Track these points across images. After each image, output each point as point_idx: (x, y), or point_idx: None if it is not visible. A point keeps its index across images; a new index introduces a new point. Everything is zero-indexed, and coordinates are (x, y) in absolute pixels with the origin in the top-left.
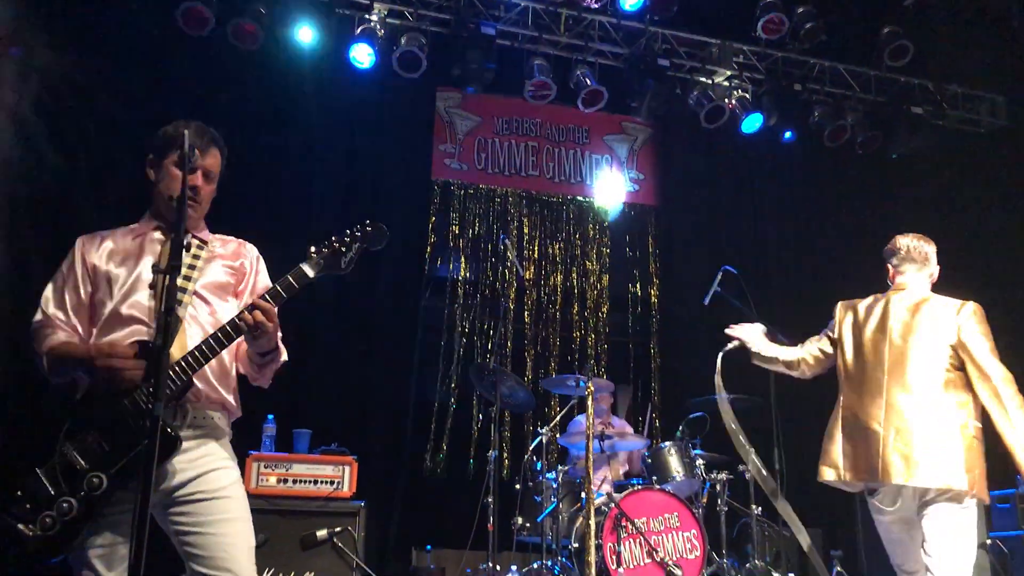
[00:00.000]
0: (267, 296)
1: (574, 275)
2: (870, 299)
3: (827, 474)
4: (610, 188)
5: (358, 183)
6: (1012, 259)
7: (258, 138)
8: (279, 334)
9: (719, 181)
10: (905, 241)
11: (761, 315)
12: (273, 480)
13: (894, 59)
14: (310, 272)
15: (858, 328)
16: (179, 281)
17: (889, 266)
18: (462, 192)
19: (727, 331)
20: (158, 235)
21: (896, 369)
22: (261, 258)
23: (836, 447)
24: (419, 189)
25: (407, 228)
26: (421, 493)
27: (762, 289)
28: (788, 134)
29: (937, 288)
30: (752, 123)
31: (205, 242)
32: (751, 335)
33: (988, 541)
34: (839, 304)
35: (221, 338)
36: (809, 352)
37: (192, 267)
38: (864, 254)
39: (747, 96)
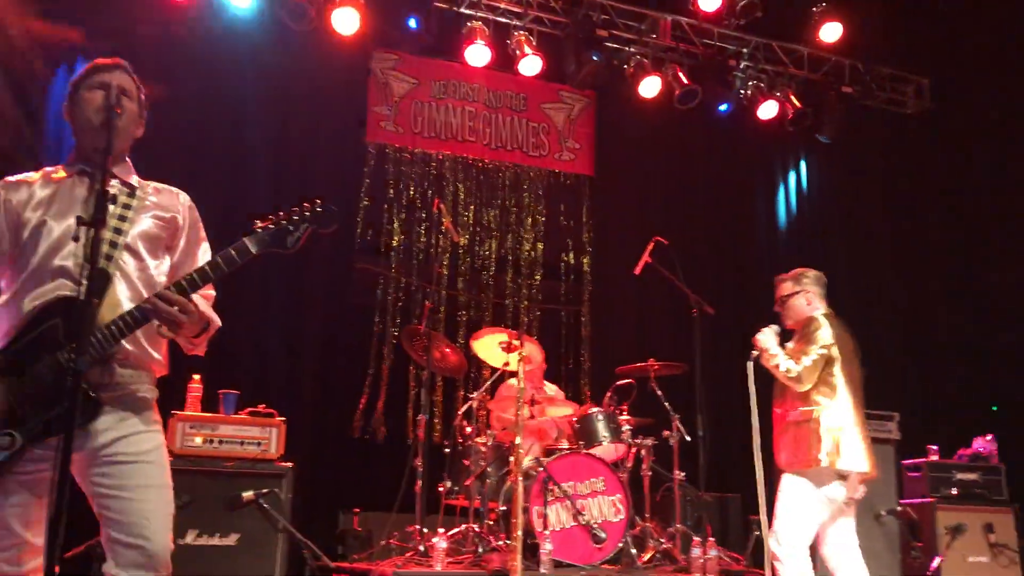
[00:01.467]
0: (196, 275)
1: (508, 242)
2: (830, 313)
3: (866, 466)
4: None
5: (292, 144)
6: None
7: (189, 95)
8: (208, 309)
9: (654, 152)
10: (815, 273)
11: (690, 286)
12: (199, 440)
13: (826, 38)
14: (253, 248)
15: (842, 340)
16: (108, 233)
17: (812, 290)
18: (397, 155)
19: (754, 339)
20: (83, 180)
21: (855, 377)
22: (195, 209)
23: (865, 444)
24: (353, 151)
25: (340, 190)
26: (350, 456)
27: (692, 261)
28: (723, 107)
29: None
30: (688, 97)
31: (134, 187)
32: (771, 343)
33: (898, 508)
34: (823, 316)
35: (131, 322)
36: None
37: (123, 218)
38: (790, 231)
39: (683, 70)
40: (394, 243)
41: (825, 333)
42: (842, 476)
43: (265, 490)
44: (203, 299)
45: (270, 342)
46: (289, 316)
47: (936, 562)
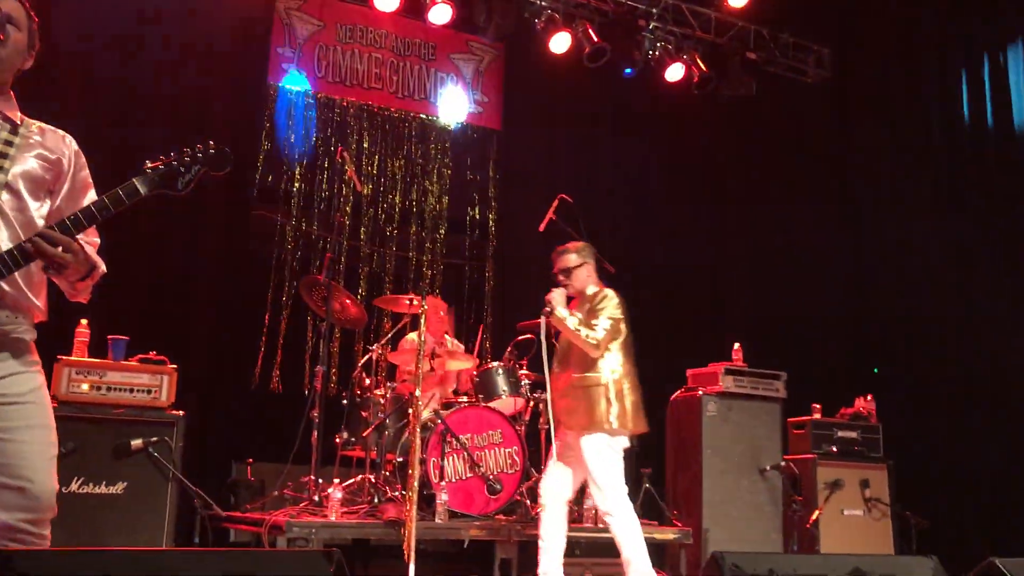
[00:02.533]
0: (82, 215)
1: (413, 194)
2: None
3: (644, 426)
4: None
5: (189, 84)
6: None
7: (78, 30)
8: (93, 253)
9: (561, 109)
10: (591, 248)
11: (594, 244)
12: (85, 387)
13: (733, 3)
14: (142, 189)
15: (625, 313)
16: None
17: (591, 263)
18: (300, 99)
19: (548, 297)
20: None
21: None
22: (82, 155)
23: (640, 406)
24: (254, 93)
25: (239, 133)
26: (245, 406)
27: (596, 219)
28: (628, 70)
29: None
30: (596, 55)
31: (17, 124)
32: (562, 303)
33: (782, 463)
34: (615, 292)
35: (9, 263)
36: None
37: (3, 155)
38: (691, 193)
39: (593, 27)
40: (295, 190)
41: (616, 306)
42: (626, 435)
43: (155, 438)
44: (88, 245)
45: (163, 288)
46: (184, 262)
47: (815, 515)
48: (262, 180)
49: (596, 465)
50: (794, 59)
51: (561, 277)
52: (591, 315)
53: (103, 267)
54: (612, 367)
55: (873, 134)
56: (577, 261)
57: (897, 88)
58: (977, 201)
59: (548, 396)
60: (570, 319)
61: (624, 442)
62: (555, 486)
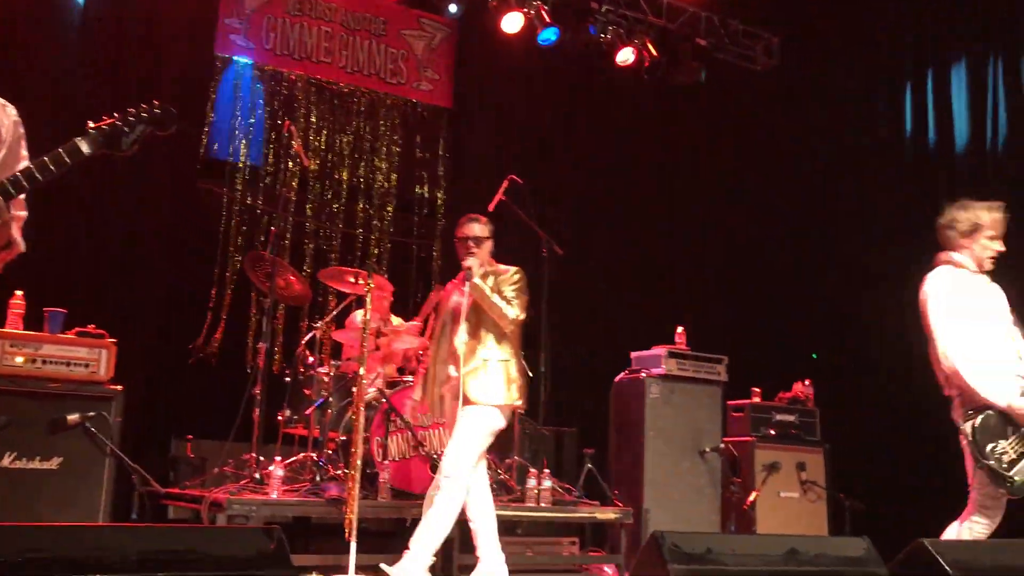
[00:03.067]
0: (22, 176)
1: (361, 171)
2: None
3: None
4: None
5: (133, 52)
6: (766, 192)
7: None
8: (17, 228)
9: (513, 90)
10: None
11: (543, 226)
12: (20, 360)
13: None
14: (85, 148)
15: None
16: None
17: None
18: (248, 71)
19: (469, 266)
20: None
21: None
22: (21, 124)
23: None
24: (200, 63)
25: (185, 103)
26: (186, 382)
27: (545, 201)
28: (552, 33)
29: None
30: (548, 35)
31: None
32: (479, 269)
33: (721, 445)
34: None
35: None
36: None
37: None
38: (638, 177)
39: (546, 8)
40: (240, 164)
41: (527, 285)
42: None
43: (92, 413)
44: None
45: (104, 261)
46: (126, 234)
47: (752, 496)
48: (207, 153)
49: (472, 430)
50: (743, 46)
51: (471, 244)
52: (505, 291)
53: (22, 246)
54: (516, 344)
55: (816, 125)
56: (486, 232)
57: (841, 83)
58: (914, 196)
59: (460, 369)
60: (487, 289)
61: (504, 421)
62: None
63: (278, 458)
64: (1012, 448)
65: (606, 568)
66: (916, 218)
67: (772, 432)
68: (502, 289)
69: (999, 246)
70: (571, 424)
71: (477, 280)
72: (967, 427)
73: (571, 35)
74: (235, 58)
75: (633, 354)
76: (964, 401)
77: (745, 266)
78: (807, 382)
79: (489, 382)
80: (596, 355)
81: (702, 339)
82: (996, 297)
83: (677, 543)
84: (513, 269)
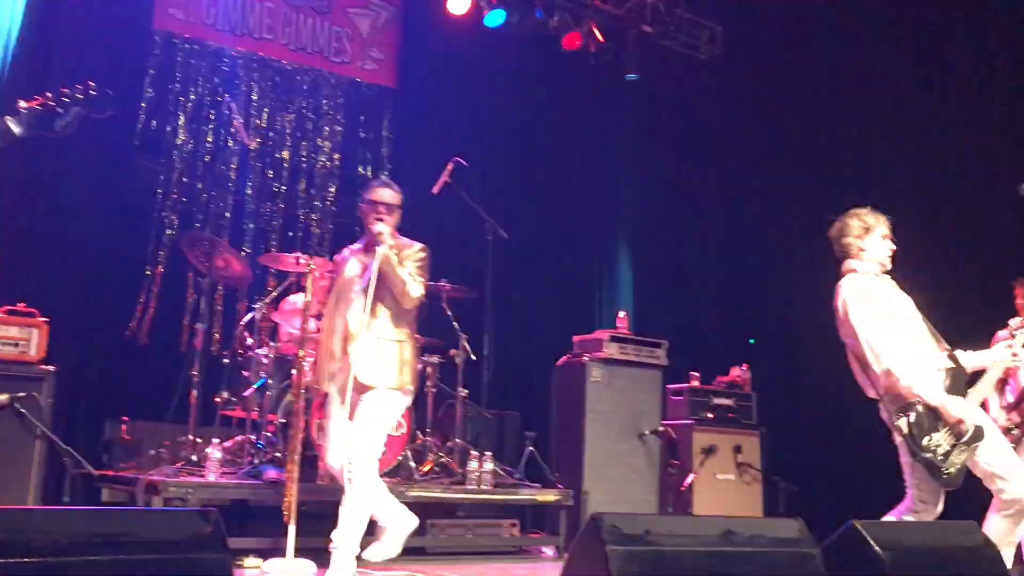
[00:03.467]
0: None
1: (304, 150)
2: None
3: None
4: None
5: (68, 22)
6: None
7: None
8: None
9: (458, 71)
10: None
11: (487, 209)
12: None
13: None
14: (16, 128)
15: None
16: None
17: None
18: (187, 47)
19: (381, 234)
20: None
21: None
22: None
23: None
24: (137, 37)
25: (120, 78)
26: (121, 363)
27: (490, 184)
28: (499, 16)
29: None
30: (495, 18)
31: None
32: (388, 235)
33: (660, 428)
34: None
35: None
36: None
37: None
38: (583, 162)
39: None
40: (179, 141)
41: (429, 267)
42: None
43: (22, 393)
44: None
45: (36, 239)
46: (60, 211)
47: (689, 479)
48: (144, 129)
49: (375, 416)
50: (688, 35)
51: (382, 209)
52: (403, 265)
53: None
54: (412, 325)
55: (755, 115)
56: (398, 201)
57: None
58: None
59: (353, 346)
60: (396, 260)
61: (405, 403)
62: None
63: (216, 440)
64: (945, 440)
65: (545, 549)
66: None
67: (710, 415)
68: (404, 264)
69: (891, 244)
70: (514, 407)
71: (388, 250)
72: (902, 423)
73: (518, 18)
74: (174, 33)
75: (576, 338)
76: (892, 399)
77: (686, 252)
78: (744, 367)
79: (382, 363)
80: (539, 339)
81: (646, 324)
82: (903, 296)
83: (616, 524)
84: (418, 245)
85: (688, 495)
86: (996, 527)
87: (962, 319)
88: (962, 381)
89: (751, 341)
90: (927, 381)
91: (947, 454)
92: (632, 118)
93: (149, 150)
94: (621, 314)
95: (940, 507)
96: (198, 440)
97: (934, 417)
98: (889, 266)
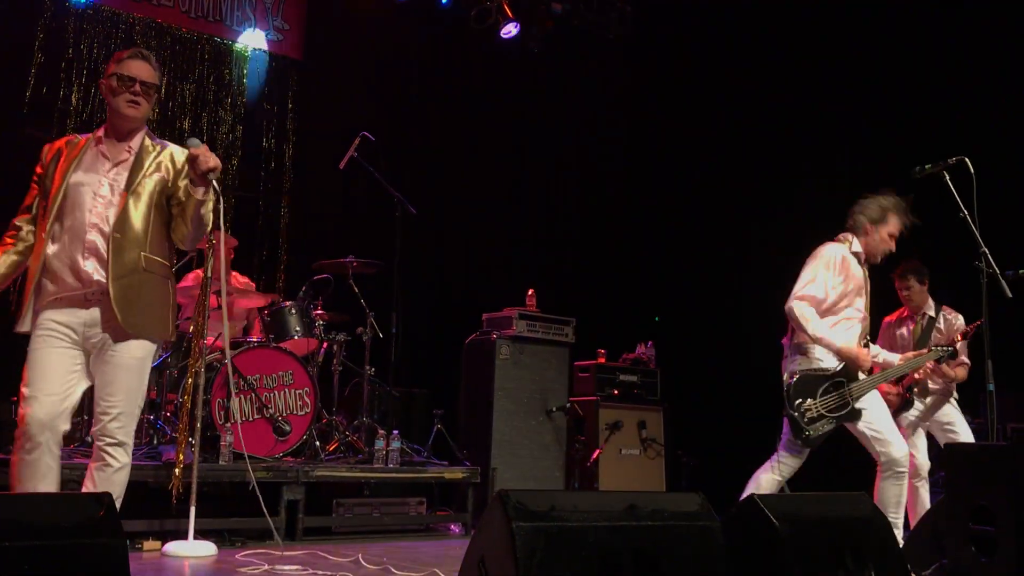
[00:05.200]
0: None
1: (204, 121)
2: None
3: None
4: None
5: None
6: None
7: None
8: None
9: (366, 44)
10: None
11: (394, 184)
12: None
13: None
14: None
15: None
16: None
17: None
18: (80, 11)
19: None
20: None
21: None
22: None
23: None
24: (28, 2)
25: (9, 44)
26: (9, 340)
27: (398, 160)
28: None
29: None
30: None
31: None
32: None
33: (568, 405)
34: None
35: None
36: None
37: None
38: (492, 138)
39: None
40: (71, 109)
41: None
42: None
43: None
44: None
45: None
46: None
47: (595, 454)
48: (34, 97)
49: (142, 379)
50: (598, 13)
51: (138, 88)
52: None
53: None
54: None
55: (663, 96)
56: (158, 81)
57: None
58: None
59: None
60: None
61: None
62: None
63: None
64: (815, 407)
65: (453, 527)
66: (755, 185)
67: (615, 392)
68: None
69: (892, 245)
70: (422, 385)
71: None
72: (786, 378)
73: None
74: None
75: (485, 315)
76: (794, 352)
77: (593, 231)
78: (649, 344)
79: (165, 313)
80: (448, 316)
81: (554, 302)
82: (861, 282)
83: (522, 501)
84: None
85: (594, 470)
86: (883, 492)
87: None
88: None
89: (656, 319)
90: (830, 332)
91: (813, 420)
92: (542, 95)
93: (40, 120)
94: (530, 292)
95: (799, 461)
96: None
97: (817, 385)
98: (877, 261)
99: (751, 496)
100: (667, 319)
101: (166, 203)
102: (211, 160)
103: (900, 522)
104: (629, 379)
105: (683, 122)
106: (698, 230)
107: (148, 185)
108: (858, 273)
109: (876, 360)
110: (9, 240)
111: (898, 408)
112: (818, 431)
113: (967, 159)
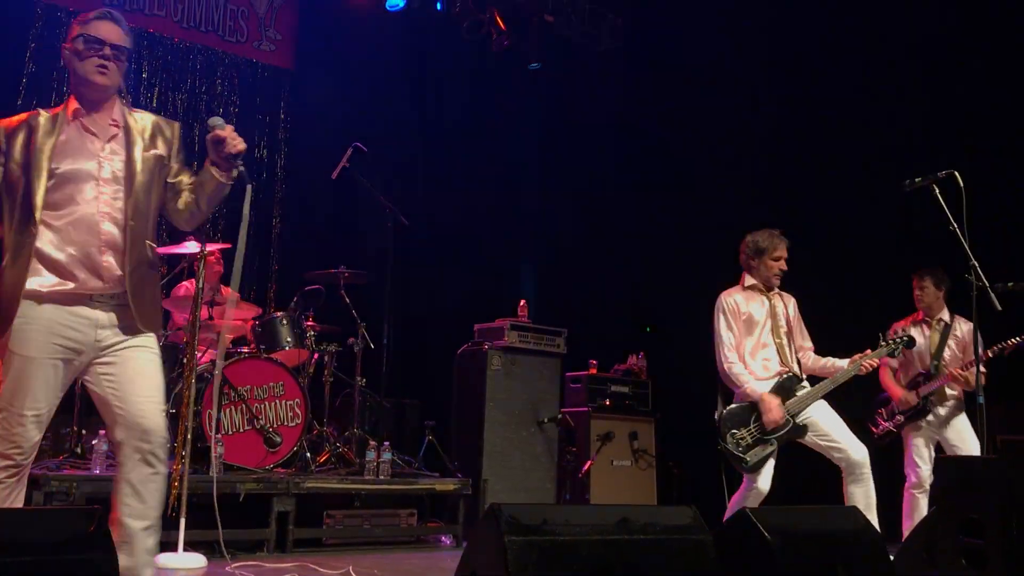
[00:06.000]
0: None
1: (196, 132)
2: None
3: None
4: None
5: None
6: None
7: None
8: None
9: (358, 55)
10: None
11: (386, 194)
12: None
13: None
14: None
15: None
16: None
17: None
18: (70, 20)
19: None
20: None
21: None
22: None
23: None
24: (19, 11)
25: (1, 52)
26: None
27: (390, 171)
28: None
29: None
30: (395, 0)
31: None
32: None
33: (559, 416)
34: None
35: None
36: None
37: None
38: (485, 149)
39: None
40: None
41: None
42: None
43: None
44: None
45: None
46: None
47: (587, 465)
48: (25, 106)
49: (161, 377)
50: (589, 25)
51: (110, 52)
52: None
53: None
54: None
55: (653, 108)
56: (130, 44)
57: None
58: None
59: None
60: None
61: None
62: None
63: (102, 431)
64: (749, 435)
65: (444, 539)
66: (747, 196)
67: (607, 403)
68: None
69: (782, 266)
70: (413, 396)
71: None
72: (717, 414)
73: (419, 2)
74: (58, 6)
75: (476, 326)
76: (723, 391)
77: (586, 242)
78: (641, 354)
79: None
80: (439, 327)
81: (545, 314)
82: (761, 308)
83: (514, 515)
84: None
85: (585, 481)
86: (851, 498)
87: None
88: (792, 383)
89: (648, 329)
90: (749, 377)
91: (749, 446)
92: (534, 106)
93: None
94: (521, 303)
95: (765, 486)
96: (83, 431)
97: (747, 415)
98: (774, 284)
99: (743, 510)
100: (659, 330)
101: (163, 183)
102: (239, 143)
103: (874, 524)
104: (621, 390)
105: (674, 134)
106: (690, 241)
107: (148, 163)
108: (755, 306)
109: (826, 367)
110: None
111: (911, 415)
112: (757, 455)
113: (956, 173)
